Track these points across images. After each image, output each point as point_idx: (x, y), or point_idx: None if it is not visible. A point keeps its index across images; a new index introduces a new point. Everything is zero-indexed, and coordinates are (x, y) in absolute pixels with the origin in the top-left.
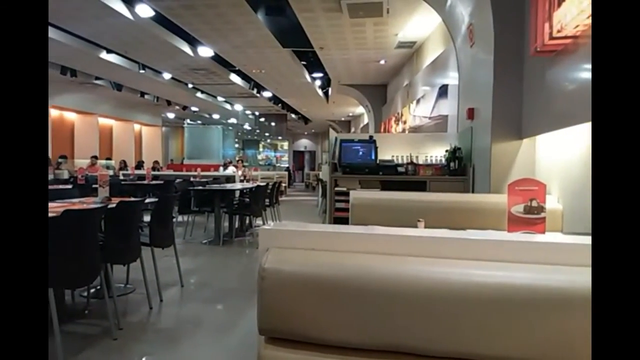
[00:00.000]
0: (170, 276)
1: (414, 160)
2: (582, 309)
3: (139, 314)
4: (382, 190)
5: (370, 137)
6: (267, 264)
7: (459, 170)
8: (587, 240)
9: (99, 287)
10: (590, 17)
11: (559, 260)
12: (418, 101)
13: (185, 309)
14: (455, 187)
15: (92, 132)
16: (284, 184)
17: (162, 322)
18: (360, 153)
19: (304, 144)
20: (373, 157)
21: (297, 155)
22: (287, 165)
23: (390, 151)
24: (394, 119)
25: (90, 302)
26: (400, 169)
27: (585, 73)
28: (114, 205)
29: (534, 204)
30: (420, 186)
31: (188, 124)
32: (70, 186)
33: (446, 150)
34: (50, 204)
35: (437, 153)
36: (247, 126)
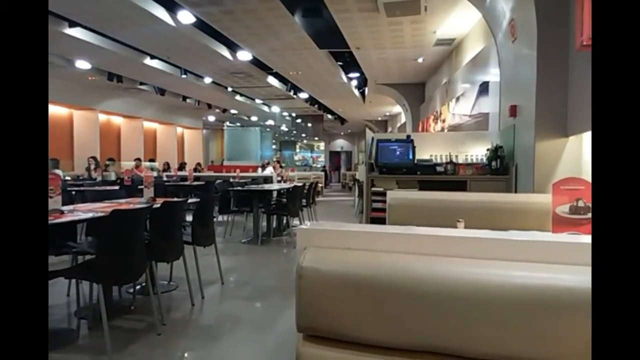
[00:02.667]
0: (211, 274)
1: (454, 160)
2: None
3: (181, 310)
4: (420, 190)
5: (408, 136)
6: (305, 262)
7: (500, 169)
8: None
9: (144, 284)
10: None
11: None
12: (458, 99)
13: (226, 306)
14: (497, 186)
15: (137, 135)
16: (320, 185)
17: (204, 319)
18: (398, 153)
19: (340, 144)
20: (410, 157)
21: (334, 156)
22: (323, 166)
23: (429, 150)
24: (432, 117)
25: (136, 298)
26: (439, 169)
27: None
28: (158, 205)
29: (580, 203)
30: (460, 186)
31: (227, 126)
32: (117, 187)
33: (487, 149)
34: (99, 204)
35: (477, 152)
36: (284, 127)
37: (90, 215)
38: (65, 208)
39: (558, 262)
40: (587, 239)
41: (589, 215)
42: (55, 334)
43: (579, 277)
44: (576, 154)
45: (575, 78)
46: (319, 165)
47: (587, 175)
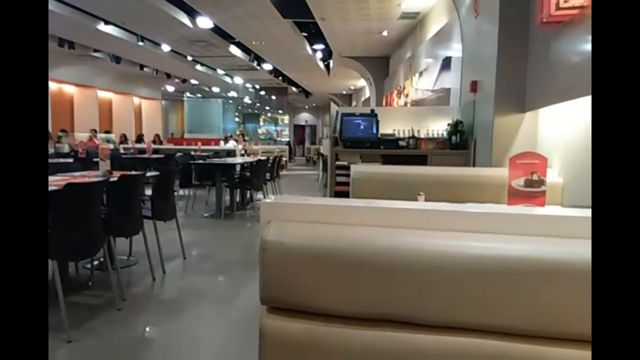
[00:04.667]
0: (172, 249)
1: (416, 134)
2: (580, 280)
3: (142, 285)
4: (383, 164)
5: (372, 110)
6: (269, 236)
7: (460, 144)
8: (587, 213)
9: (102, 260)
10: None
11: (558, 233)
12: (421, 74)
13: (188, 281)
14: (457, 160)
15: (92, 105)
16: (284, 158)
17: (166, 294)
18: (362, 127)
19: (304, 117)
20: (374, 131)
21: (298, 130)
22: (287, 140)
23: (392, 125)
24: (396, 92)
25: (94, 274)
26: (401, 143)
27: (591, 45)
28: (115, 178)
29: (535, 177)
30: (422, 160)
31: (188, 97)
32: (71, 160)
33: (448, 124)
34: (53, 178)
35: (439, 127)
36: (247, 100)
37: None
38: None
39: (512, 233)
40: (540, 210)
41: (543, 188)
42: None
43: (533, 247)
44: (532, 129)
45: (534, 55)
46: (283, 139)
47: (541, 149)
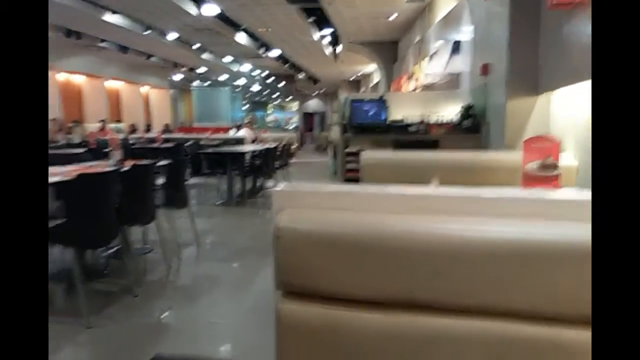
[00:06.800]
0: (185, 237)
1: (425, 120)
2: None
3: (157, 272)
4: (394, 150)
5: (381, 97)
6: (282, 223)
7: (472, 127)
8: None
9: (117, 248)
10: None
11: (573, 216)
12: (431, 58)
13: (202, 268)
14: (469, 145)
15: (100, 95)
16: (293, 146)
17: (181, 280)
18: (371, 113)
19: (313, 105)
20: (383, 117)
21: (307, 117)
22: (296, 126)
23: (402, 111)
24: (405, 77)
25: (111, 261)
26: (411, 129)
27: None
28: (127, 168)
29: (549, 161)
30: (432, 145)
31: (195, 86)
32: (81, 150)
33: (462, 106)
34: (65, 168)
35: (449, 111)
36: (255, 87)
37: (57, 179)
38: None
39: (527, 217)
40: (555, 194)
41: (557, 171)
42: None
43: (547, 231)
44: (544, 111)
45: (546, 37)
46: (291, 127)
47: (554, 132)
